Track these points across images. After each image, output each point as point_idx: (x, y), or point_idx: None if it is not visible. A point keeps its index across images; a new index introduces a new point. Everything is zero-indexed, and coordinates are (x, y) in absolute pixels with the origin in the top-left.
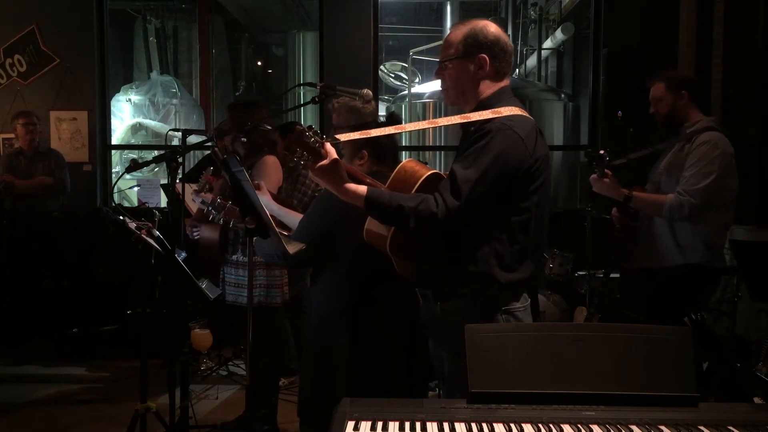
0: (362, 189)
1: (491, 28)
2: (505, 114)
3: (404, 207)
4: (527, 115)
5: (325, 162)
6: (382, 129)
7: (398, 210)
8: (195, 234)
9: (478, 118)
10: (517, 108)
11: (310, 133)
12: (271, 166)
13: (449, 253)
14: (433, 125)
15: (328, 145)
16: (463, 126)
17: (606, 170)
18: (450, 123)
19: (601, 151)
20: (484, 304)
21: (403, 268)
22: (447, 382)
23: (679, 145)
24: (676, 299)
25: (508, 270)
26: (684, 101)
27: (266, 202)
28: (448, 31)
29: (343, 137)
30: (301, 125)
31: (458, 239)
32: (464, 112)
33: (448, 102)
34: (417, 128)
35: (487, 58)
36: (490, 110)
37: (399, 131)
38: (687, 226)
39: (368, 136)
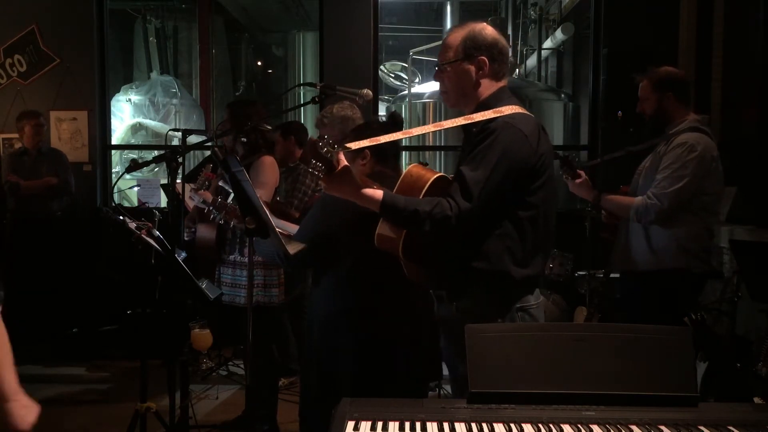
0: (378, 194)
1: (488, 30)
2: (507, 113)
3: (419, 211)
4: (528, 113)
5: (337, 171)
6: (390, 135)
7: (414, 214)
8: (192, 232)
9: (481, 118)
10: (517, 107)
11: (323, 143)
12: (268, 167)
13: (462, 253)
14: (438, 128)
15: (340, 155)
16: (465, 127)
17: (578, 171)
18: (454, 125)
19: (566, 155)
20: (499, 301)
21: (413, 272)
22: (460, 381)
23: (661, 147)
24: (652, 304)
25: (520, 265)
26: (669, 101)
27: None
28: (447, 32)
29: (353, 145)
30: (307, 131)
31: (471, 238)
32: (465, 114)
33: (448, 104)
34: (423, 132)
35: (487, 60)
36: (491, 110)
37: (406, 136)
38: (661, 230)
39: (377, 142)
